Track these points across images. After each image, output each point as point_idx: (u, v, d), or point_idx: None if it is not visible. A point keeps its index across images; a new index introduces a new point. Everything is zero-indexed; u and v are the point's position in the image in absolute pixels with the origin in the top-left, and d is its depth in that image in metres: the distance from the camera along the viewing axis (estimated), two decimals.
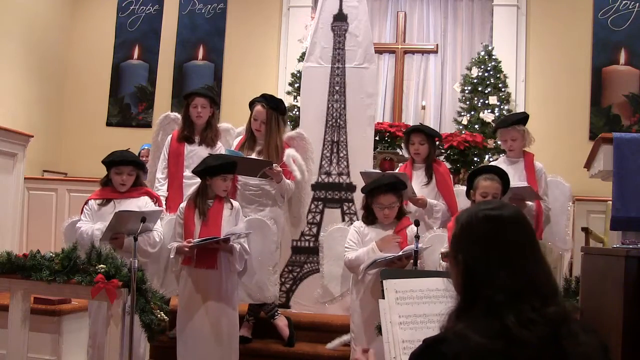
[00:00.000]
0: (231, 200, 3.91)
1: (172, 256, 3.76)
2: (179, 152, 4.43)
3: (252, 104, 4.44)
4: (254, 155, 4.30)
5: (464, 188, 4.58)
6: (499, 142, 6.73)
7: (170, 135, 4.54)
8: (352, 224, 4.15)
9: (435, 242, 3.91)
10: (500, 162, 4.49)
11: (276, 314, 4.52)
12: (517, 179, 4.23)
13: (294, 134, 4.66)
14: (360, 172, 4.33)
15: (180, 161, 4.41)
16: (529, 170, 4.34)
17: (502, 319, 1.37)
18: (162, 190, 4.37)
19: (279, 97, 5.08)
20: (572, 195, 4.76)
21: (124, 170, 3.83)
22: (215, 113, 4.60)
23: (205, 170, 3.74)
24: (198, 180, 3.92)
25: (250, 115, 4.41)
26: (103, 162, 3.89)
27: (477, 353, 1.34)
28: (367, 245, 3.75)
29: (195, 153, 4.39)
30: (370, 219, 3.84)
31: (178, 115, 4.63)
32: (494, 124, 7.08)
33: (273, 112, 4.35)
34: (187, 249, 3.64)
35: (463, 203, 4.32)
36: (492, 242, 1.46)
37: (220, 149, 4.46)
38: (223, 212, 3.76)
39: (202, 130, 4.46)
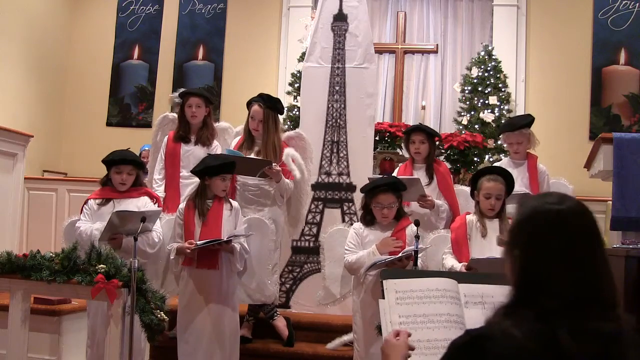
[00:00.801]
0: (230, 200, 3.91)
1: (172, 257, 3.75)
2: (176, 152, 4.44)
3: (249, 104, 4.44)
4: (252, 155, 4.30)
5: (463, 188, 4.59)
6: (499, 142, 6.75)
7: (167, 136, 4.55)
8: (352, 224, 4.15)
9: (437, 242, 3.91)
10: (505, 163, 4.48)
11: (275, 314, 4.52)
12: (520, 181, 4.23)
13: (293, 134, 4.66)
14: (369, 178, 4.32)
15: (176, 161, 4.42)
16: (532, 173, 4.35)
17: (553, 328, 1.26)
18: (159, 190, 4.37)
19: (278, 97, 5.08)
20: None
21: (123, 170, 3.84)
22: (212, 112, 4.61)
23: (204, 170, 3.74)
24: (195, 179, 3.92)
25: (248, 115, 4.42)
26: (103, 161, 3.89)
27: (521, 357, 1.26)
28: (367, 247, 3.75)
29: (192, 153, 4.40)
30: (368, 219, 3.83)
31: (177, 115, 4.64)
32: (494, 124, 7.09)
33: (270, 111, 4.35)
34: (189, 251, 3.64)
35: (463, 203, 4.33)
36: (553, 242, 1.34)
37: (217, 147, 4.47)
38: (223, 213, 3.76)
39: (198, 129, 4.47)
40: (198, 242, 3.61)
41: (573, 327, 1.26)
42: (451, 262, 3.66)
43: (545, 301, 1.30)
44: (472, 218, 3.74)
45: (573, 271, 1.31)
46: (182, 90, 4.67)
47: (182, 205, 3.86)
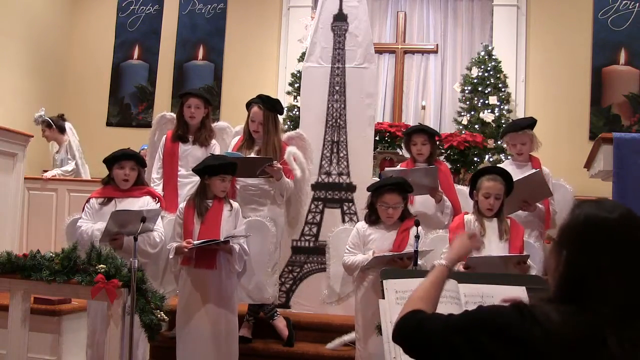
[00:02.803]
0: (230, 200, 3.91)
1: (171, 256, 3.76)
2: (173, 152, 4.44)
3: (248, 105, 4.44)
4: (252, 155, 4.30)
5: (463, 188, 4.59)
6: (499, 142, 6.75)
7: (165, 135, 4.56)
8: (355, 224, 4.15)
9: (437, 243, 3.90)
10: (507, 165, 4.49)
11: (275, 314, 4.52)
12: None
13: (293, 134, 4.67)
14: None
15: (174, 161, 4.42)
16: None
17: (602, 331, 1.30)
18: (157, 190, 4.37)
19: (278, 97, 5.09)
20: (574, 198, 4.75)
21: (125, 165, 3.85)
22: (210, 113, 4.61)
23: (204, 169, 3.74)
24: (193, 179, 3.92)
25: (248, 116, 4.41)
26: (104, 161, 3.89)
27: (557, 342, 1.29)
28: (370, 246, 3.77)
29: (190, 152, 4.41)
30: (373, 219, 3.83)
31: (174, 115, 4.65)
32: (494, 124, 7.09)
33: (270, 112, 4.34)
34: (186, 250, 3.64)
35: (463, 203, 4.33)
36: (603, 249, 1.36)
37: (215, 146, 4.47)
38: (222, 213, 3.77)
39: (196, 130, 4.47)
40: (195, 242, 3.61)
41: (620, 332, 1.30)
42: None
43: (597, 306, 1.33)
44: (470, 218, 3.74)
45: (623, 279, 1.35)
46: (183, 90, 4.69)
47: (182, 205, 3.87)
